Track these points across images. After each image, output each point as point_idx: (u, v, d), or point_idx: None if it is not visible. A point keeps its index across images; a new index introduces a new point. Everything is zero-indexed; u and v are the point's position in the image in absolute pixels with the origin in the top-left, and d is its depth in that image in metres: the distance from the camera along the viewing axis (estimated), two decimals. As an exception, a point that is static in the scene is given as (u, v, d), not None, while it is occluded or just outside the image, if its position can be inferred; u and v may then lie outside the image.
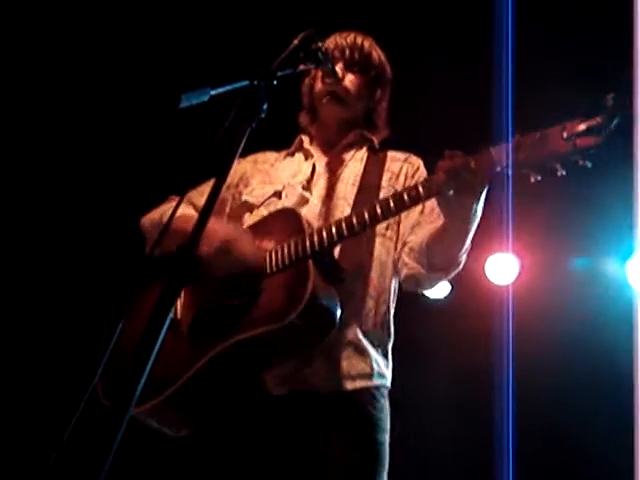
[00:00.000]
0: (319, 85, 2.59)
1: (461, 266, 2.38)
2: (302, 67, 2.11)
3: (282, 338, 2.13)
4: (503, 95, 3.42)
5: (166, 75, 4.20)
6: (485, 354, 4.21)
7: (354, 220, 2.20)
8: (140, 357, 1.42)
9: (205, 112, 2.06)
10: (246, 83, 1.93)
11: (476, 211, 2.21)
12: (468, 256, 2.39)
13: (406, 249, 2.41)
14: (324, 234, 2.21)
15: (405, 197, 2.16)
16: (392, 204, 2.17)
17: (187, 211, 2.44)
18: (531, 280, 4.70)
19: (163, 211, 2.56)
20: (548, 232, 4.63)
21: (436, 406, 4.66)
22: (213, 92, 1.98)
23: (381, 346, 2.43)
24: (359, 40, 2.61)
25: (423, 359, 4.66)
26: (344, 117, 2.62)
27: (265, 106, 1.88)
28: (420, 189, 2.15)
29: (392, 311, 2.51)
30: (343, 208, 2.42)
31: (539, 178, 2.04)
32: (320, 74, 2.56)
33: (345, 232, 2.19)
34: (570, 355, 4.54)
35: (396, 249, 2.45)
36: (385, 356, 2.45)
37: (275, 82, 1.96)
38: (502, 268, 4.67)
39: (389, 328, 2.47)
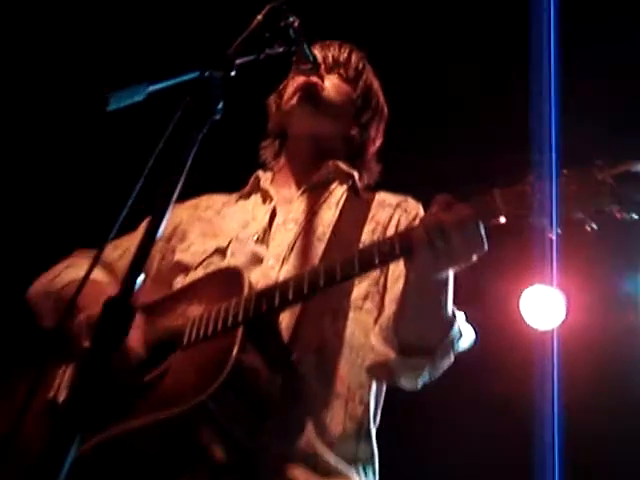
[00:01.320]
0: (290, 87, 2.13)
1: (454, 350, 1.81)
2: (269, 51, 1.73)
3: (186, 430, 1.65)
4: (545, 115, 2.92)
5: (91, 70, 3.66)
6: (526, 421, 3.65)
7: (305, 279, 1.73)
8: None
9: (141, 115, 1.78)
10: (195, 75, 1.63)
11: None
12: (497, 291, 1.86)
13: (376, 328, 1.85)
14: (263, 298, 1.73)
15: (375, 253, 1.70)
16: (357, 262, 1.70)
17: (79, 273, 2.04)
18: (580, 321, 4.15)
19: (53, 276, 2.11)
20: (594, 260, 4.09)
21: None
22: (151, 89, 1.67)
23: (357, 463, 1.86)
24: (345, 49, 2.20)
25: (450, 428, 4.15)
26: (319, 133, 2.14)
27: (220, 105, 1.59)
28: (396, 245, 1.69)
29: (373, 413, 1.94)
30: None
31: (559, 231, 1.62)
32: (292, 83, 2.13)
33: (291, 296, 1.71)
34: (630, 414, 4.06)
35: None
36: (367, 476, 1.88)
37: (233, 73, 1.64)
38: (543, 306, 4.14)
39: (370, 438, 1.92)
